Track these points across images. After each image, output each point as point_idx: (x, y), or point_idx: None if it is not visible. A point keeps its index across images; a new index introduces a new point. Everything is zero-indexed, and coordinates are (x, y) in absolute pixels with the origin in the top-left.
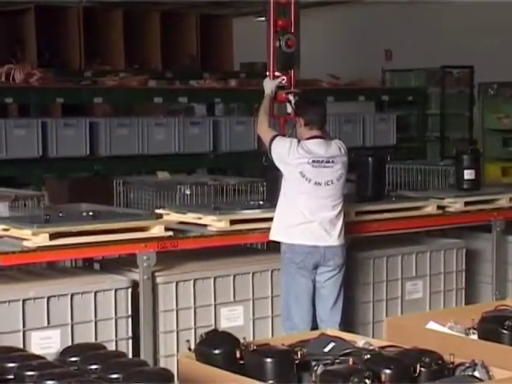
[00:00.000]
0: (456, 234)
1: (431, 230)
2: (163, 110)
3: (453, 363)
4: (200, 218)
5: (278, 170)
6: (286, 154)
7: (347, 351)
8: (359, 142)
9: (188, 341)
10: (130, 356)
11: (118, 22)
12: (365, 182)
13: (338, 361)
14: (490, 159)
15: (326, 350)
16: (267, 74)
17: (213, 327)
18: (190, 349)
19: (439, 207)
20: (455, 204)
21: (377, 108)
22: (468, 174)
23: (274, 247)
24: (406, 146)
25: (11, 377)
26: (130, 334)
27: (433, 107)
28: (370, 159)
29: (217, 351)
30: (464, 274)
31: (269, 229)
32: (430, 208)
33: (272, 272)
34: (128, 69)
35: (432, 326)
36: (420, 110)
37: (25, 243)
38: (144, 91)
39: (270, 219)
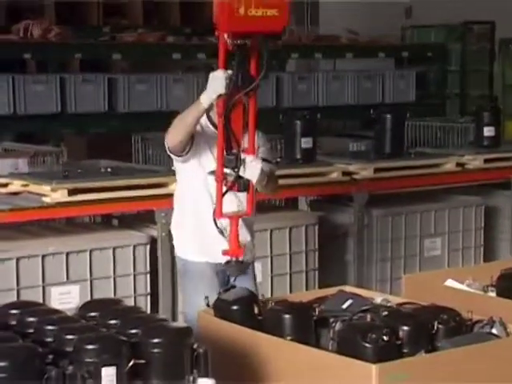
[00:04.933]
0: (475, 191)
1: (450, 187)
2: (182, 67)
3: (471, 320)
4: None
5: None
6: None
7: (365, 308)
8: (378, 98)
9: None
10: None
11: None
12: (383, 138)
13: (355, 317)
14: (511, 116)
15: (344, 306)
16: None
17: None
18: (208, 304)
19: (458, 164)
20: (474, 161)
21: (396, 64)
22: (488, 131)
23: (293, 204)
24: (426, 102)
25: (31, 331)
26: (149, 290)
27: (453, 64)
28: (388, 116)
29: (235, 307)
30: (483, 231)
31: (286, 185)
32: (450, 165)
33: (290, 229)
34: (146, 25)
35: (450, 283)
36: (440, 67)
37: (44, 199)
38: (162, 47)
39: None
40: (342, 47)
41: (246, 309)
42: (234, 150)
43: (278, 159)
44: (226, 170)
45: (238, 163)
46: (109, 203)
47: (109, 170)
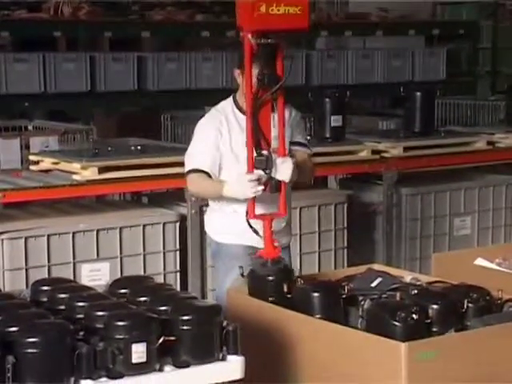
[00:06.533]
0: (506, 169)
1: (480, 165)
2: (211, 45)
3: (501, 299)
4: None
5: None
6: None
7: (394, 286)
8: (408, 76)
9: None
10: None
11: None
12: (413, 117)
13: (385, 296)
14: None
15: (373, 285)
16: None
17: None
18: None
19: (489, 143)
20: (505, 139)
21: (427, 42)
22: None
23: (322, 183)
24: (456, 80)
25: (62, 307)
26: (178, 267)
27: (484, 41)
28: (418, 94)
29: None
30: None
31: (315, 163)
32: (480, 143)
33: (319, 207)
34: (175, 3)
35: (480, 262)
36: (471, 44)
37: (74, 177)
38: (191, 25)
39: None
40: (372, 25)
41: (275, 287)
42: (264, 151)
43: (308, 137)
44: (257, 171)
45: (268, 164)
46: (138, 181)
47: (138, 148)
